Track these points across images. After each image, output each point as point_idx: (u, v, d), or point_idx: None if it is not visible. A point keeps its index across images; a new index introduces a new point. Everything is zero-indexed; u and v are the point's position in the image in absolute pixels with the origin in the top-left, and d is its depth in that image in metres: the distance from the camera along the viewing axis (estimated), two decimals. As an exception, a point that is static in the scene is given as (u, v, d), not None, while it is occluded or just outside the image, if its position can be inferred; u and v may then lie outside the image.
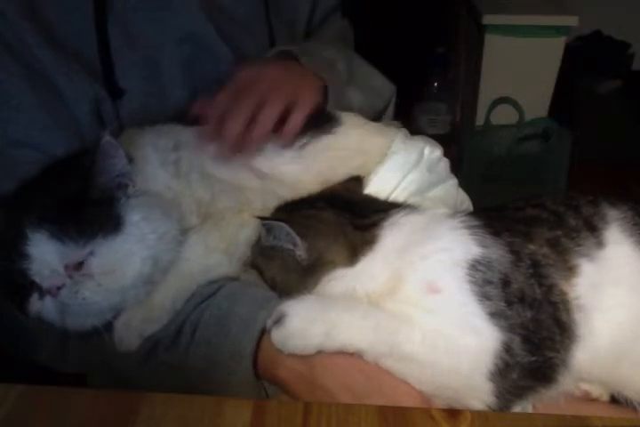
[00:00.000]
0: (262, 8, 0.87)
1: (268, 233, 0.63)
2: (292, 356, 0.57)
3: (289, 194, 0.70)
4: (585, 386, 0.62)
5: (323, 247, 0.62)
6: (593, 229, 0.60)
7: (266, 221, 0.63)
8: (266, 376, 0.61)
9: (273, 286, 0.65)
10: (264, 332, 0.60)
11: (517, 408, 0.58)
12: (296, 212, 0.65)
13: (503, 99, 1.83)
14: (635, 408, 0.60)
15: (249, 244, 0.66)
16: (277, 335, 0.57)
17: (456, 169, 0.80)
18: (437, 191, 0.76)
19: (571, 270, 0.58)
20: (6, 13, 0.65)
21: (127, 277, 0.59)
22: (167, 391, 0.51)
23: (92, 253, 0.58)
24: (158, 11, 0.75)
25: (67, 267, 0.57)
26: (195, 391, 0.53)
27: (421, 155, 0.75)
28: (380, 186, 0.73)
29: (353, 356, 0.57)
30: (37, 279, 0.57)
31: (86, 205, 0.59)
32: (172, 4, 0.76)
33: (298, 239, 0.61)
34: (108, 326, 0.61)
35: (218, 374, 0.60)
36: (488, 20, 1.92)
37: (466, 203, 0.80)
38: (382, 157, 0.75)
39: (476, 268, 0.57)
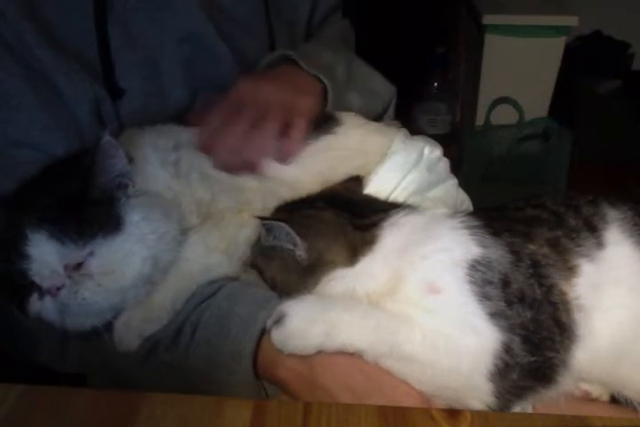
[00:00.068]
0: (262, 8, 0.86)
1: (268, 233, 0.63)
2: (292, 356, 0.57)
3: (289, 194, 0.70)
4: (585, 386, 0.62)
5: (323, 247, 0.62)
6: (593, 229, 0.60)
7: (266, 221, 0.63)
8: (266, 376, 0.61)
9: (273, 286, 0.65)
10: (264, 332, 0.59)
11: (517, 408, 0.58)
12: (296, 212, 0.65)
13: (503, 99, 1.83)
14: (635, 408, 0.60)
15: (249, 244, 0.66)
16: (277, 335, 0.57)
17: (456, 169, 0.80)
18: (437, 191, 0.76)
19: (571, 271, 0.58)
20: (6, 13, 0.65)
21: (127, 277, 0.59)
22: (167, 391, 0.51)
23: (91, 254, 0.58)
24: (158, 11, 0.75)
25: (66, 267, 0.57)
26: (195, 391, 0.53)
27: (421, 155, 0.75)
28: (379, 186, 0.73)
29: (353, 356, 0.57)
30: (37, 280, 0.57)
31: (86, 206, 0.59)
32: (172, 4, 0.76)
33: (298, 239, 0.61)
34: (108, 326, 0.61)
35: (218, 374, 0.60)
36: (488, 20, 1.92)
37: (466, 203, 0.80)
38: (382, 157, 0.75)
39: (476, 268, 0.57)
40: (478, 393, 0.56)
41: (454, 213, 0.65)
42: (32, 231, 0.57)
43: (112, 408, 0.49)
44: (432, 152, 0.76)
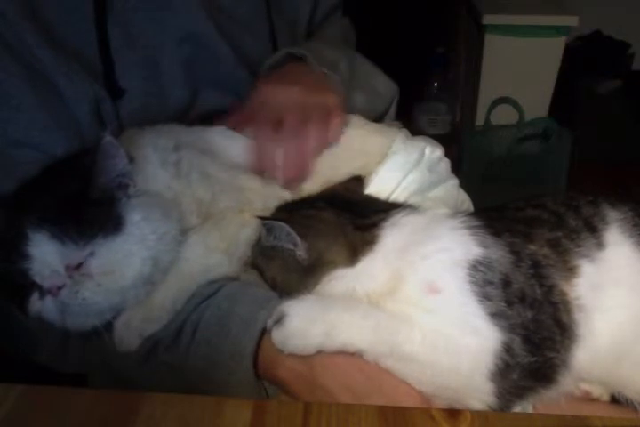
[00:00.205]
0: (263, 7, 0.86)
1: (269, 233, 0.63)
2: (292, 356, 0.57)
3: (289, 194, 0.70)
4: (585, 386, 0.62)
5: (323, 247, 0.62)
6: (593, 229, 0.60)
7: (266, 221, 0.63)
8: (266, 376, 0.61)
9: (273, 286, 0.65)
10: (264, 332, 0.59)
11: (517, 408, 0.58)
12: (296, 212, 0.65)
13: (503, 99, 1.83)
14: (635, 408, 0.60)
15: (249, 244, 0.66)
16: (277, 335, 0.57)
17: (456, 169, 0.80)
18: (438, 191, 0.76)
19: (571, 271, 0.58)
20: (6, 13, 0.65)
21: (127, 277, 0.59)
22: (167, 391, 0.51)
23: (92, 254, 0.57)
24: (158, 11, 0.75)
25: (67, 267, 0.57)
26: (195, 391, 0.53)
27: (422, 155, 0.75)
28: (380, 186, 0.73)
29: (353, 356, 0.57)
30: (38, 279, 0.57)
31: (86, 206, 0.59)
32: (172, 4, 0.76)
33: (298, 239, 0.61)
34: (108, 326, 0.61)
35: (218, 374, 0.60)
36: (488, 20, 1.93)
37: (466, 203, 0.80)
38: (383, 158, 0.75)
39: (477, 268, 0.57)
40: (478, 393, 0.56)
41: (455, 214, 0.65)
42: (33, 231, 0.57)
43: (112, 408, 0.49)
44: (433, 152, 0.76)
